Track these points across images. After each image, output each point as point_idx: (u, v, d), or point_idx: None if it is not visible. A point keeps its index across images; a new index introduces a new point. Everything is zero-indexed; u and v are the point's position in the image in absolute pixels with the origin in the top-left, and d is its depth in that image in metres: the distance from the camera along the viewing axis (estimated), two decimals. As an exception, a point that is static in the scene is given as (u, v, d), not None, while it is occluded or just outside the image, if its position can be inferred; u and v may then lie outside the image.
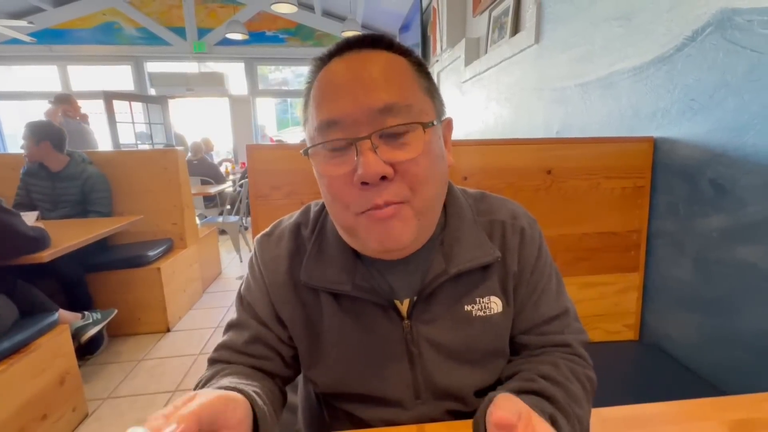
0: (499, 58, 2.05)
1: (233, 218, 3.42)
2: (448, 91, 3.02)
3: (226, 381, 0.42)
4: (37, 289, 1.57)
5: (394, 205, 0.39)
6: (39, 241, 1.45)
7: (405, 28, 4.78)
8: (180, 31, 5.44)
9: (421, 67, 0.43)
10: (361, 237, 0.42)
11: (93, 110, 4.23)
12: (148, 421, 0.29)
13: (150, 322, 2.15)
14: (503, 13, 2.04)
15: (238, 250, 3.49)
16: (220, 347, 0.51)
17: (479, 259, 0.46)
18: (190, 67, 5.80)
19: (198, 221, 3.22)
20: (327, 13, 5.65)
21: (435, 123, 0.41)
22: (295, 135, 6.98)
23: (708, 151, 0.89)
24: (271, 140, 6.03)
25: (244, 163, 4.80)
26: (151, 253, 2.14)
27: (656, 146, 1.05)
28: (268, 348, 0.50)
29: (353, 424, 0.52)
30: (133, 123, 5.31)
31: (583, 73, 1.37)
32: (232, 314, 0.53)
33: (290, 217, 0.54)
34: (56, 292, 1.80)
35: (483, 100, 2.37)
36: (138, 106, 5.40)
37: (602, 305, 1.14)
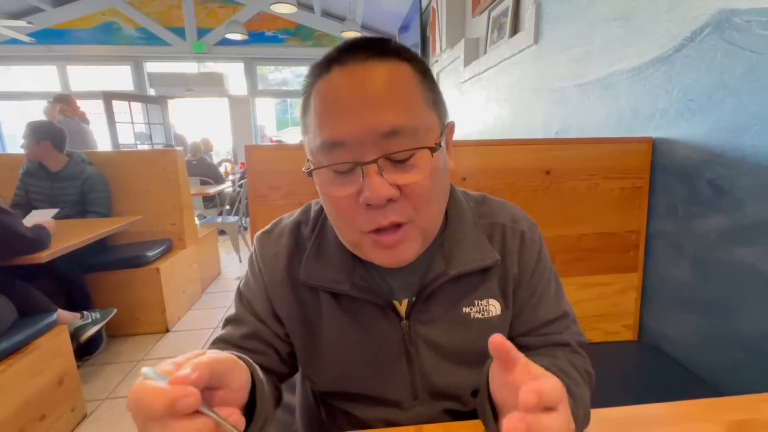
0: (498, 58, 2.05)
1: (232, 218, 3.42)
2: (447, 91, 3.02)
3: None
4: (36, 290, 1.57)
5: (400, 230, 0.39)
6: (36, 242, 1.45)
7: (404, 28, 4.78)
8: (179, 32, 5.44)
9: (425, 74, 0.41)
10: (365, 253, 0.43)
11: (92, 110, 4.23)
12: (158, 366, 0.28)
13: (149, 323, 2.15)
14: (502, 13, 2.04)
15: (237, 250, 3.49)
16: (218, 340, 0.51)
17: (479, 262, 0.47)
18: (189, 67, 5.80)
19: (197, 221, 3.22)
20: (326, 14, 5.65)
21: (441, 144, 0.39)
22: (295, 135, 6.97)
23: (706, 152, 0.89)
24: (271, 140, 6.04)
25: (243, 164, 4.79)
26: (150, 254, 2.14)
27: (655, 147, 1.05)
28: (265, 344, 0.50)
29: (351, 424, 0.52)
30: (132, 123, 5.31)
31: (582, 73, 1.37)
32: (233, 310, 0.54)
33: (290, 216, 0.54)
34: (55, 292, 1.80)
35: (482, 101, 2.37)
36: (137, 107, 5.40)
37: (601, 306, 1.14)
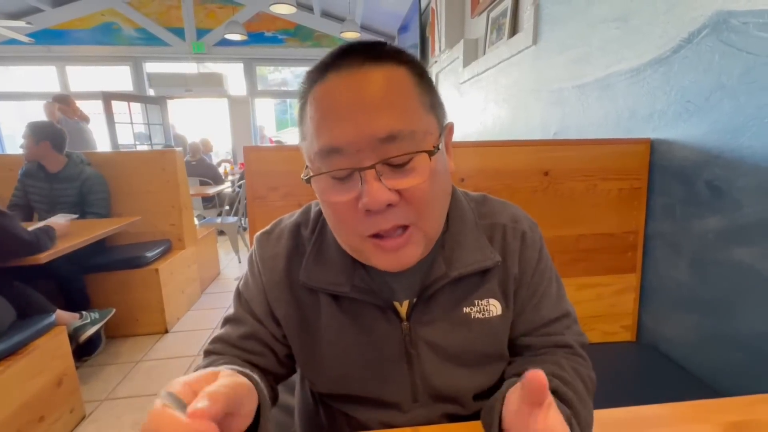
0: (497, 59, 2.05)
1: (232, 219, 3.42)
2: (446, 92, 3.02)
3: (235, 368, 0.42)
4: (35, 290, 1.57)
5: (402, 234, 0.39)
6: (33, 245, 1.44)
7: (404, 28, 4.79)
8: (179, 32, 5.43)
9: (422, 77, 0.41)
10: (367, 258, 0.43)
11: (92, 111, 4.23)
12: (171, 385, 0.28)
13: (148, 323, 2.15)
14: (501, 14, 2.05)
15: (236, 250, 3.48)
16: (216, 340, 0.52)
17: (480, 263, 0.47)
18: (188, 67, 5.80)
19: (196, 222, 3.21)
20: (326, 14, 5.65)
21: (439, 147, 0.39)
22: (294, 136, 6.95)
23: (704, 153, 0.89)
24: (270, 141, 6.03)
25: (242, 164, 4.80)
26: (149, 254, 2.14)
27: (653, 148, 1.06)
28: (262, 344, 0.51)
29: (350, 426, 0.52)
30: (131, 123, 5.31)
31: (581, 74, 1.37)
32: (230, 309, 0.54)
33: (290, 216, 0.54)
34: (54, 293, 1.80)
35: (481, 101, 2.37)
36: (137, 107, 5.40)
37: (599, 306, 1.14)
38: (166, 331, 2.18)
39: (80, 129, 3.77)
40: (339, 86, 0.38)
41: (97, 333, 1.89)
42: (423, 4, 3.71)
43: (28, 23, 4.61)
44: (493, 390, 0.47)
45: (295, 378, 0.63)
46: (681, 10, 0.94)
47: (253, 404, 0.33)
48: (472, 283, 0.48)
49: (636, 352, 1.10)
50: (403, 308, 0.48)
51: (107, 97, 5.03)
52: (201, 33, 5.50)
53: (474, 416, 0.47)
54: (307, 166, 0.42)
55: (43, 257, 1.47)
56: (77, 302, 1.90)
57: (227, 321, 0.53)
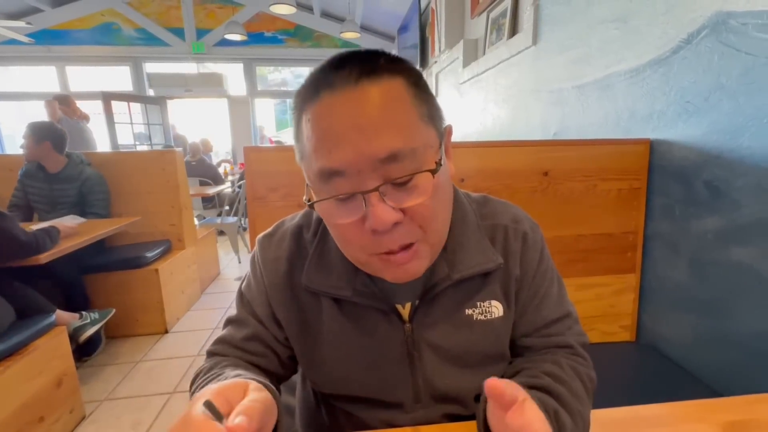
0: (496, 59, 2.05)
1: (232, 219, 3.42)
2: (446, 92, 3.02)
3: (240, 371, 0.42)
4: (34, 291, 1.57)
5: (411, 249, 0.39)
6: (32, 246, 1.44)
7: (404, 29, 4.79)
8: (179, 32, 5.43)
9: (418, 86, 0.39)
10: (375, 271, 0.43)
11: (91, 111, 4.23)
12: (205, 394, 0.30)
13: (148, 324, 2.15)
14: (501, 14, 2.05)
15: (236, 251, 3.48)
16: (219, 341, 0.52)
17: (482, 266, 0.47)
18: (188, 67, 5.80)
19: (196, 222, 3.21)
20: (326, 14, 5.65)
21: (441, 162, 0.38)
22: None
23: (703, 153, 0.90)
24: (270, 141, 6.03)
25: (242, 164, 4.80)
26: (149, 255, 2.14)
27: (652, 148, 1.06)
28: (265, 346, 0.51)
29: (352, 426, 0.52)
30: (131, 124, 5.31)
31: (580, 74, 1.37)
32: (233, 310, 0.54)
33: (292, 219, 0.54)
34: (54, 293, 1.80)
35: (481, 102, 2.38)
36: (136, 107, 5.40)
37: (599, 306, 1.14)
38: (166, 332, 2.18)
39: (80, 128, 3.79)
40: (334, 106, 0.36)
41: (97, 333, 1.89)
42: (423, 5, 3.71)
43: (28, 23, 4.61)
44: None
45: (296, 378, 0.63)
46: (680, 11, 0.95)
47: (274, 419, 0.34)
48: (474, 284, 0.48)
49: (635, 352, 1.10)
50: (405, 310, 0.48)
51: (107, 98, 5.03)
52: (201, 33, 5.51)
53: (475, 416, 0.47)
54: (307, 185, 0.41)
55: (43, 257, 1.47)
56: (77, 303, 1.90)
57: (230, 322, 0.53)
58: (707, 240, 0.89)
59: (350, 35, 4.70)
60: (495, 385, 0.33)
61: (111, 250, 2.24)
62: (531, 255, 0.50)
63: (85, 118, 3.89)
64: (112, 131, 5.07)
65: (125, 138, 5.23)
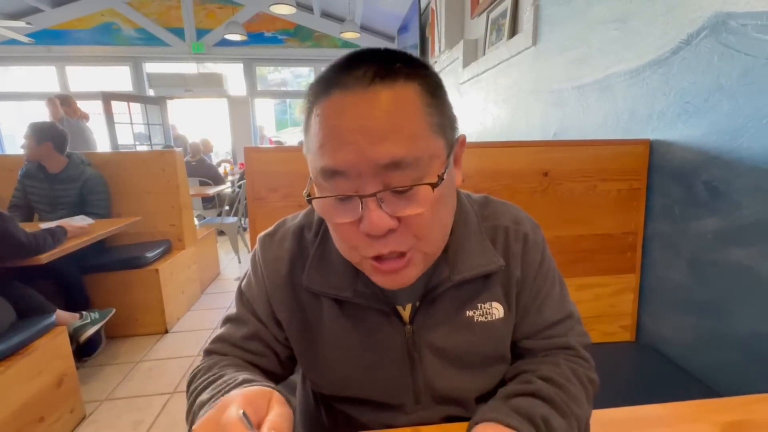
0: (496, 59, 2.06)
1: (232, 219, 3.42)
2: (446, 92, 3.02)
3: (246, 374, 0.42)
4: (35, 291, 1.57)
5: (403, 258, 0.39)
6: (32, 247, 1.44)
7: (404, 29, 4.79)
8: (179, 32, 5.44)
9: (434, 94, 0.38)
10: (367, 272, 0.43)
11: (91, 111, 4.24)
12: (234, 399, 0.33)
13: (148, 324, 2.15)
14: (501, 15, 2.05)
15: (236, 251, 3.48)
16: (218, 340, 0.51)
17: (483, 267, 0.47)
18: (188, 67, 5.80)
19: (196, 222, 3.22)
20: (326, 14, 5.66)
21: (444, 176, 0.37)
22: (294, 136, 6.98)
23: (703, 154, 0.90)
24: (270, 141, 6.04)
25: (242, 164, 4.80)
26: (149, 255, 2.14)
27: (652, 149, 1.06)
28: (265, 346, 0.51)
29: (351, 427, 0.52)
30: (131, 124, 5.31)
31: (580, 75, 1.37)
32: (231, 308, 0.54)
33: (294, 218, 0.54)
34: (54, 293, 1.80)
35: (481, 102, 2.38)
36: (136, 107, 5.40)
37: (598, 307, 1.14)
38: (166, 332, 2.18)
39: (81, 128, 3.80)
40: (344, 106, 0.36)
41: (97, 333, 1.89)
42: (423, 5, 3.71)
43: (28, 23, 4.61)
44: (495, 392, 0.47)
45: (296, 378, 0.64)
46: (680, 12, 0.95)
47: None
48: (475, 286, 0.48)
49: (635, 352, 1.10)
50: (405, 312, 0.48)
51: (107, 98, 5.03)
52: (201, 33, 5.51)
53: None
54: (311, 178, 0.41)
55: (44, 258, 1.47)
56: (77, 302, 1.90)
57: (228, 320, 0.53)
58: (707, 240, 0.89)
59: (350, 35, 4.70)
60: None
61: (111, 250, 2.24)
62: (532, 256, 0.50)
63: (85, 117, 3.90)
64: (112, 131, 5.07)
65: (125, 138, 5.23)
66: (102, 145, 4.59)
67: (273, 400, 0.34)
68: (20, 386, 1.23)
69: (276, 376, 0.53)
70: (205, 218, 3.73)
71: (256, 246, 0.53)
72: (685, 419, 0.47)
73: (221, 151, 6.27)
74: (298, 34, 5.74)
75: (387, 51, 0.38)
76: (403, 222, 0.38)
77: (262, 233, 0.53)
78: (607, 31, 1.22)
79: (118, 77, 5.70)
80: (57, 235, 1.55)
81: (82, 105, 3.97)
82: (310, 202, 0.39)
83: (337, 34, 5.42)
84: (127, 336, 2.12)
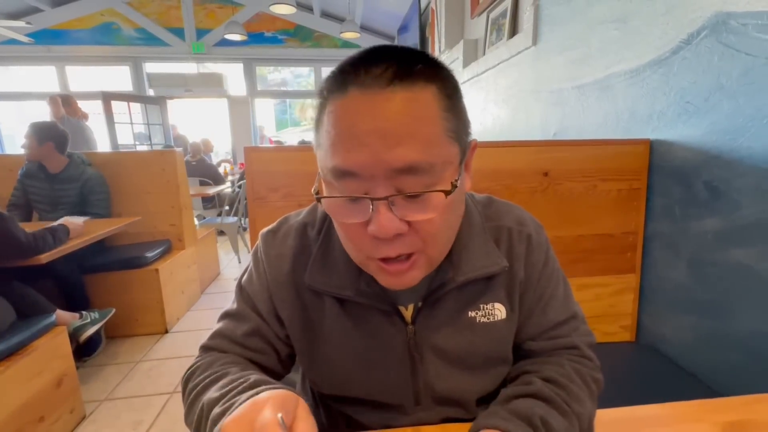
0: (496, 59, 2.06)
1: (232, 219, 3.42)
2: (446, 92, 3.02)
3: (255, 375, 0.42)
4: (35, 290, 1.57)
5: (407, 260, 0.39)
6: (31, 247, 1.43)
7: (404, 29, 4.79)
8: (179, 32, 5.44)
9: (451, 98, 0.38)
10: (372, 272, 0.43)
11: (91, 111, 4.24)
12: (267, 401, 0.32)
13: (148, 324, 2.15)
14: (501, 15, 2.05)
15: (236, 251, 3.48)
16: (216, 335, 0.51)
17: (486, 268, 0.46)
18: (188, 67, 5.80)
19: (196, 222, 3.22)
20: (326, 14, 5.66)
21: (457, 183, 0.37)
22: (294, 136, 6.99)
23: (703, 154, 0.90)
24: (270, 141, 6.04)
25: (242, 164, 4.80)
26: (149, 255, 2.14)
27: (652, 148, 1.06)
28: (266, 343, 0.50)
29: (351, 427, 0.52)
30: (131, 124, 5.31)
31: (580, 75, 1.37)
32: (230, 303, 0.53)
33: (297, 215, 0.53)
34: (54, 293, 1.80)
35: (481, 102, 2.38)
36: (136, 107, 5.40)
37: (599, 307, 1.14)
38: (166, 332, 2.18)
39: (82, 127, 3.81)
40: (359, 106, 0.35)
41: (97, 333, 1.89)
42: (423, 5, 3.71)
43: (28, 23, 4.61)
44: (496, 394, 0.47)
45: (296, 377, 0.63)
46: (680, 12, 0.95)
47: None
48: (478, 287, 0.48)
49: (635, 352, 1.10)
50: (408, 312, 0.48)
51: (107, 97, 5.03)
52: (201, 33, 5.51)
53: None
54: (319, 174, 0.40)
55: (44, 257, 1.47)
56: (77, 303, 1.90)
57: (227, 316, 0.52)
58: (707, 240, 0.89)
59: (350, 35, 4.70)
60: None
61: (111, 250, 2.24)
62: (535, 257, 0.50)
63: (85, 117, 3.91)
64: (112, 131, 5.08)
65: (125, 138, 5.23)
66: (102, 145, 4.59)
67: (300, 407, 0.33)
68: (20, 386, 1.23)
69: (275, 374, 0.52)
70: (205, 218, 3.73)
71: (258, 242, 0.52)
72: (685, 419, 0.47)
73: (221, 151, 6.27)
74: (298, 34, 5.74)
75: (407, 50, 0.37)
76: (412, 226, 0.37)
77: (265, 229, 0.52)
78: (607, 31, 1.22)
79: (118, 77, 5.70)
80: (58, 234, 1.55)
81: (82, 105, 3.98)
82: (319, 200, 0.39)
83: (337, 34, 5.42)
84: (126, 336, 2.12)
